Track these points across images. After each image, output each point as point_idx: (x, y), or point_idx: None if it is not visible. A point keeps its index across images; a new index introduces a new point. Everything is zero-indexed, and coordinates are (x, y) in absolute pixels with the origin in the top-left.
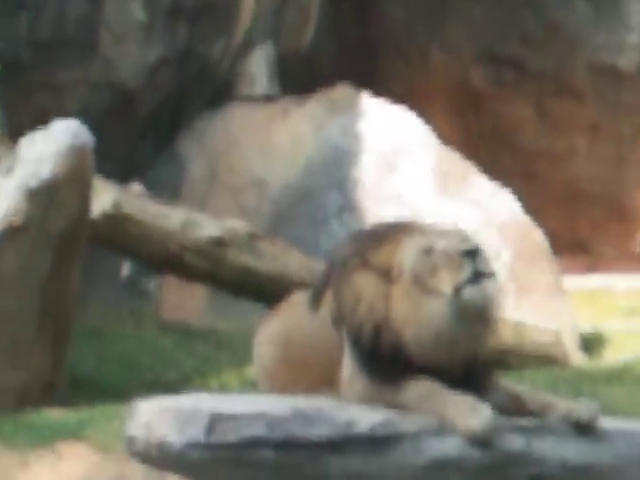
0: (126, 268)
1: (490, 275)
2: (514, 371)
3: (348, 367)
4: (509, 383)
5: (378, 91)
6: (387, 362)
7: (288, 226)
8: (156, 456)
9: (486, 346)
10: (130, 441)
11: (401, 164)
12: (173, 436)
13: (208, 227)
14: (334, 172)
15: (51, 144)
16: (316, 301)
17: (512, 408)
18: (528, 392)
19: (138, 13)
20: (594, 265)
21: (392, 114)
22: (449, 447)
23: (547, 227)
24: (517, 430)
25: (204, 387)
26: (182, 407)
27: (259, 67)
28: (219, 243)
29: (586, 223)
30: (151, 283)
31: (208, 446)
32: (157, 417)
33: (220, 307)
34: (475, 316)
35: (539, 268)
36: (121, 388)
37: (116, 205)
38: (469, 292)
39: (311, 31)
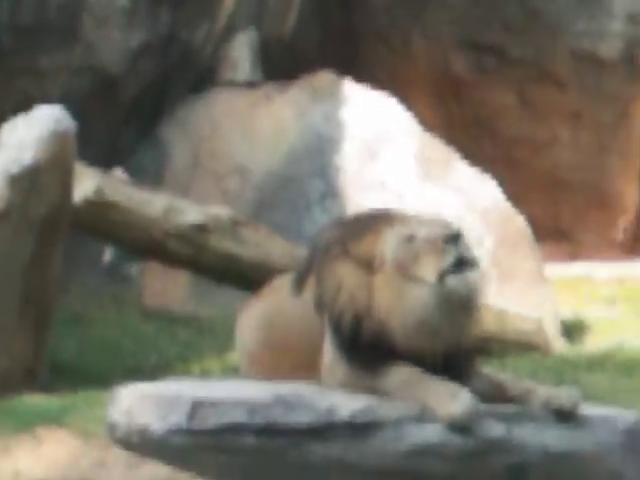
0: (108, 254)
1: (473, 263)
2: (496, 358)
3: (329, 353)
4: (491, 370)
5: (361, 77)
6: (368, 349)
7: (271, 212)
8: (137, 442)
9: (470, 334)
10: (111, 427)
11: (383, 150)
12: (155, 422)
13: (191, 213)
14: (317, 159)
15: (33, 130)
16: (299, 285)
17: (494, 395)
18: (510, 379)
19: None
20: (576, 253)
21: (374, 101)
22: (430, 434)
23: (529, 215)
24: (497, 417)
25: (186, 373)
26: (164, 393)
27: (242, 52)
28: (202, 229)
29: (568, 211)
30: (133, 269)
31: (189, 432)
32: (139, 403)
33: (203, 293)
34: (459, 305)
35: (522, 254)
36: (103, 374)
37: (98, 191)
38: (452, 281)
39: (294, 17)
